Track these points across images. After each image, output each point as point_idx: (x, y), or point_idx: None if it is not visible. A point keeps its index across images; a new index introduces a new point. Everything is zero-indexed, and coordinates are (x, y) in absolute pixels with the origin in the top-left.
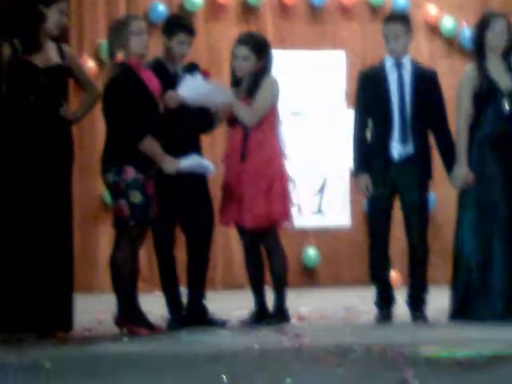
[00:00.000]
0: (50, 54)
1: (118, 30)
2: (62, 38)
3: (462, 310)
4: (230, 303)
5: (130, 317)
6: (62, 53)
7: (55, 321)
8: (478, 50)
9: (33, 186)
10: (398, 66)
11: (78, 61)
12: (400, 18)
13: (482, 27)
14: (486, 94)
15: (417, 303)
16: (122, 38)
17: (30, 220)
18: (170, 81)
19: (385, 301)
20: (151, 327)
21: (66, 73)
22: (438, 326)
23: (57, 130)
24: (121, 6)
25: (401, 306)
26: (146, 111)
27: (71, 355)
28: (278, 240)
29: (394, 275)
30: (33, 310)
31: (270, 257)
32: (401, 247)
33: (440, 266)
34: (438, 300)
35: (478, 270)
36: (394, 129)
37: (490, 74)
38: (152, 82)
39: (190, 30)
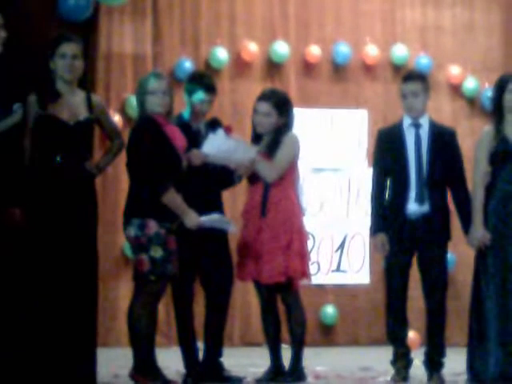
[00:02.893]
0: (78, 106)
1: (138, 88)
2: (89, 89)
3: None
4: (246, 360)
5: (145, 372)
6: (90, 103)
7: (77, 376)
8: (496, 112)
9: (59, 244)
10: (416, 125)
11: (106, 110)
12: (418, 77)
13: (499, 89)
14: (501, 156)
15: (434, 365)
16: (140, 97)
17: (56, 277)
18: (192, 137)
19: (401, 361)
20: (166, 383)
21: (93, 125)
22: None
23: (81, 184)
24: (148, 61)
25: (418, 367)
26: (169, 164)
27: None
28: (299, 298)
29: (412, 336)
30: (55, 365)
31: (289, 314)
32: (419, 307)
33: (459, 326)
34: (456, 362)
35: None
36: (411, 188)
37: (507, 135)
38: (176, 136)
39: (210, 89)
